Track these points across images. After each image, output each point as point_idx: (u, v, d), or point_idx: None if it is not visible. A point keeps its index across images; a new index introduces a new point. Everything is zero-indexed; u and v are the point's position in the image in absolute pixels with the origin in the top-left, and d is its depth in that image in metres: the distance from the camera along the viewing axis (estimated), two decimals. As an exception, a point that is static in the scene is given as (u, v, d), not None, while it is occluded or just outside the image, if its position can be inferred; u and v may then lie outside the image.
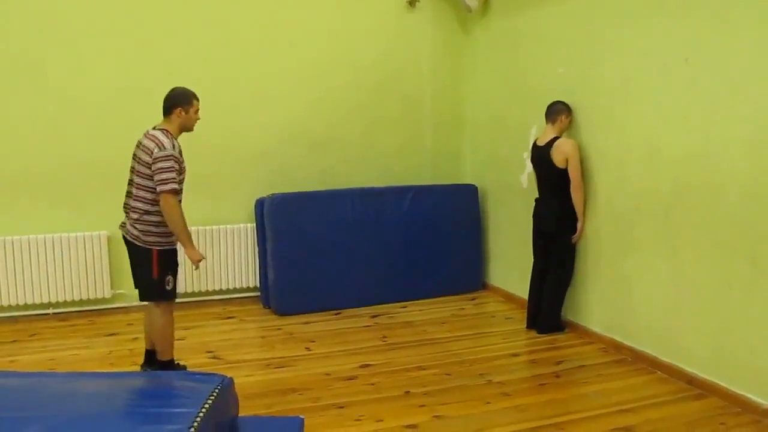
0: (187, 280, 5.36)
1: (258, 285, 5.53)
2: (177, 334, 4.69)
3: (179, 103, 3.66)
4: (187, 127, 3.73)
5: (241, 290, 5.61)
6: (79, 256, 5.09)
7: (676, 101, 3.79)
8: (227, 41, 5.36)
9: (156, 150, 3.52)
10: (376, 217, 5.46)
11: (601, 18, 4.37)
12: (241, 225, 5.51)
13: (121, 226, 3.73)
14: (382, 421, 3.36)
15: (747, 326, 3.43)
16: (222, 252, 5.46)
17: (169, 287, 3.69)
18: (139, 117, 5.16)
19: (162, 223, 3.60)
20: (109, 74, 5.11)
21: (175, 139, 3.65)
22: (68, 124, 5.06)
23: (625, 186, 4.21)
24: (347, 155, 5.76)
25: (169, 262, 3.70)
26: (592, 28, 4.46)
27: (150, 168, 3.53)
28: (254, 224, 5.44)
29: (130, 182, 3.66)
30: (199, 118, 3.77)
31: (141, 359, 4.11)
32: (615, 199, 4.32)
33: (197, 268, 3.74)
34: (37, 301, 5.06)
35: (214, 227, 5.43)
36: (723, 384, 3.57)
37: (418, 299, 5.53)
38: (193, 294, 5.47)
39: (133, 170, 3.64)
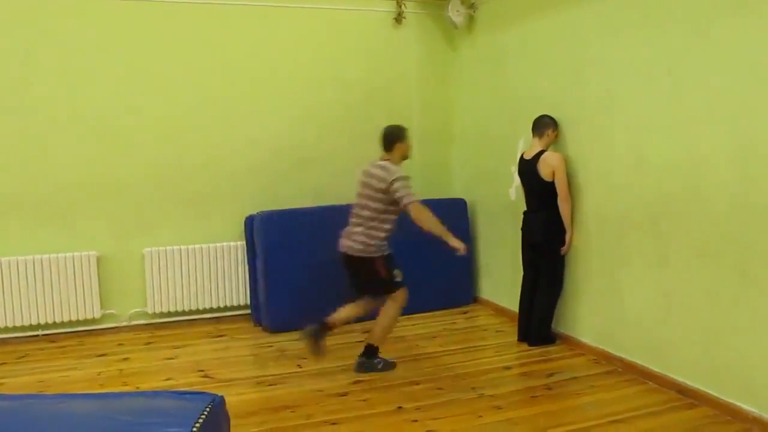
0: (177, 298, 5.35)
1: (249, 303, 5.51)
2: (168, 353, 4.72)
3: (399, 138, 4.30)
4: (406, 156, 4.35)
5: (232, 308, 5.59)
6: (68, 277, 5.07)
7: (660, 113, 3.84)
8: (214, 59, 5.39)
9: (387, 176, 4.12)
10: (366, 233, 5.45)
11: (584, 32, 4.44)
12: (231, 243, 5.50)
13: (342, 246, 4.29)
14: (374, 437, 3.36)
15: (736, 335, 3.46)
16: (212, 270, 5.45)
17: (399, 279, 4.28)
18: (127, 137, 5.21)
19: (381, 237, 4.19)
20: (97, 94, 5.11)
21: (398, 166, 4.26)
22: (56, 144, 5.06)
23: (613, 197, 4.25)
24: (336, 171, 5.77)
25: (389, 262, 4.26)
26: (576, 43, 4.52)
27: (382, 192, 4.13)
28: (244, 242, 5.44)
29: (357, 206, 4.29)
30: (411, 145, 4.41)
31: (131, 380, 4.13)
32: (603, 211, 4.36)
33: (462, 253, 4.21)
34: (26, 322, 5.02)
35: (204, 245, 5.42)
36: (713, 393, 3.59)
37: (409, 314, 5.50)
38: (183, 313, 5.45)
39: (360, 196, 4.27)
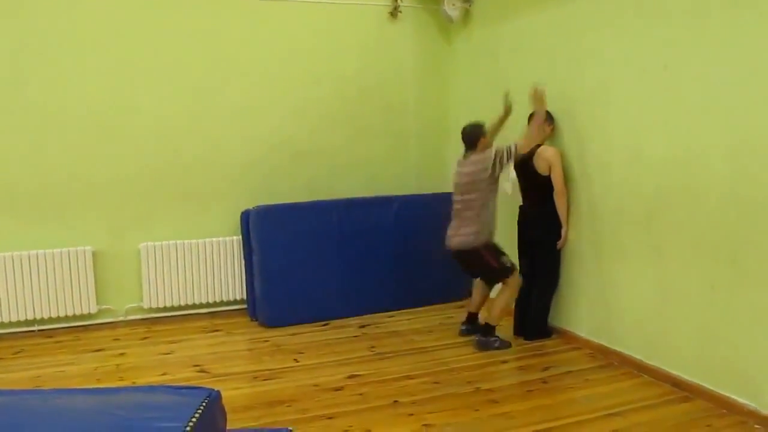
0: (173, 293, 5.35)
1: (245, 297, 5.51)
2: (164, 348, 4.72)
3: (482, 134, 4.55)
4: (489, 148, 4.56)
5: (228, 303, 5.58)
6: (63, 272, 5.05)
7: (656, 107, 3.84)
8: (209, 54, 5.36)
9: (486, 160, 4.41)
10: (362, 228, 5.46)
11: (580, 26, 4.43)
12: (227, 238, 5.49)
13: (450, 243, 4.61)
14: (370, 431, 3.36)
15: (730, 328, 3.47)
16: (208, 265, 5.44)
17: (508, 264, 4.58)
18: (123, 131, 5.19)
19: (490, 222, 4.51)
20: (91, 89, 5.09)
21: None
22: (51, 139, 5.04)
23: (609, 191, 4.26)
24: (332, 165, 5.77)
25: (496, 250, 4.56)
26: (571, 37, 4.52)
27: (489, 177, 4.41)
28: (240, 236, 5.43)
29: (460, 204, 4.55)
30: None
31: (127, 375, 4.13)
32: (599, 205, 4.36)
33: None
34: (22, 317, 5.01)
35: (200, 240, 5.41)
36: (708, 386, 3.60)
37: (405, 308, 5.54)
38: (179, 308, 5.44)
39: (463, 194, 4.52)
